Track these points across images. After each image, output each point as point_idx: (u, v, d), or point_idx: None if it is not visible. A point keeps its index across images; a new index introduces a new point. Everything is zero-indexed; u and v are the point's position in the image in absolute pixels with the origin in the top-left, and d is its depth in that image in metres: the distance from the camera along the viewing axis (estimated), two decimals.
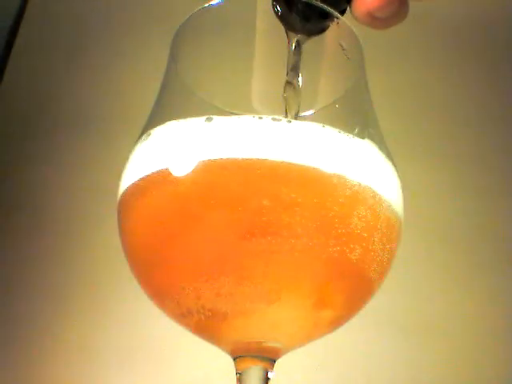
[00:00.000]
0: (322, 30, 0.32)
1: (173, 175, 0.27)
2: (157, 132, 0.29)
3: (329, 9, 0.30)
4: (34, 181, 0.70)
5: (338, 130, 0.28)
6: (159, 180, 0.27)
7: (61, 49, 0.79)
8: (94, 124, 0.73)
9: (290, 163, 0.26)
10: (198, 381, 0.60)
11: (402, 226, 0.31)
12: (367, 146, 0.29)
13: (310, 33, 0.32)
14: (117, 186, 0.31)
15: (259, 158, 0.26)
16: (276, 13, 0.32)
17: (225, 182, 0.26)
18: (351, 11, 0.32)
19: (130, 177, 0.29)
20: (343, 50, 0.33)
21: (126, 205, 0.30)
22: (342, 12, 0.32)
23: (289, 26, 0.32)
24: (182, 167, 0.27)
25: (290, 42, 0.32)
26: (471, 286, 0.64)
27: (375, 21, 0.31)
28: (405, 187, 0.31)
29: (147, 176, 0.28)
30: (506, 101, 0.75)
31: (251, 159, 0.26)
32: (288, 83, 0.32)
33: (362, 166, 0.28)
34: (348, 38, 0.32)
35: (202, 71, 0.35)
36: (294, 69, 0.32)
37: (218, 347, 0.31)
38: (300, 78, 0.32)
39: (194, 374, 0.60)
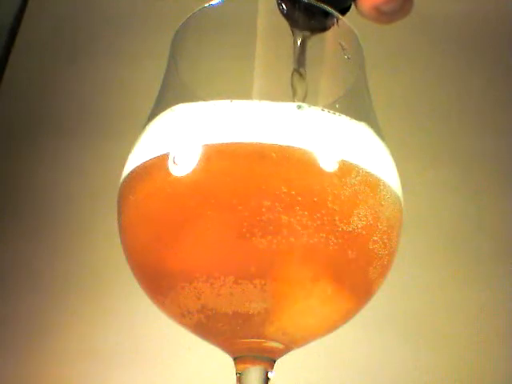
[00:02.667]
0: (326, 28, 0.32)
1: (172, 164, 0.27)
2: (160, 118, 0.30)
3: (329, 9, 0.31)
4: (34, 181, 0.70)
5: (348, 117, 0.29)
6: (157, 170, 0.28)
7: (61, 49, 0.79)
8: (94, 124, 0.73)
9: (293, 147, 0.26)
10: (198, 381, 0.60)
11: (403, 217, 0.31)
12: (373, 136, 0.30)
13: (314, 30, 0.32)
14: (117, 186, 0.31)
15: (267, 142, 0.26)
16: (281, 11, 0.33)
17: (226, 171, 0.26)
18: (356, 6, 0.32)
19: (129, 166, 0.30)
20: (343, 49, 0.33)
21: (122, 199, 0.30)
22: (347, 8, 0.32)
23: (293, 24, 0.32)
24: (182, 153, 0.27)
25: (295, 40, 0.32)
26: (471, 286, 0.64)
27: (380, 15, 0.32)
28: (404, 187, 0.31)
29: (145, 163, 0.28)
30: (507, 101, 0.74)
31: (255, 144, 0.26)
32: (294, 81, 0.32)
33: (375, 157, 0.29)
34: (348, 38, 0.32)
35: (202, 71, 0.35)
36: (300, 65, 0.32)
37: (218, 347, 0.31)
38: (305, 76, 0.32)
39: (194, 373, 0.60)
